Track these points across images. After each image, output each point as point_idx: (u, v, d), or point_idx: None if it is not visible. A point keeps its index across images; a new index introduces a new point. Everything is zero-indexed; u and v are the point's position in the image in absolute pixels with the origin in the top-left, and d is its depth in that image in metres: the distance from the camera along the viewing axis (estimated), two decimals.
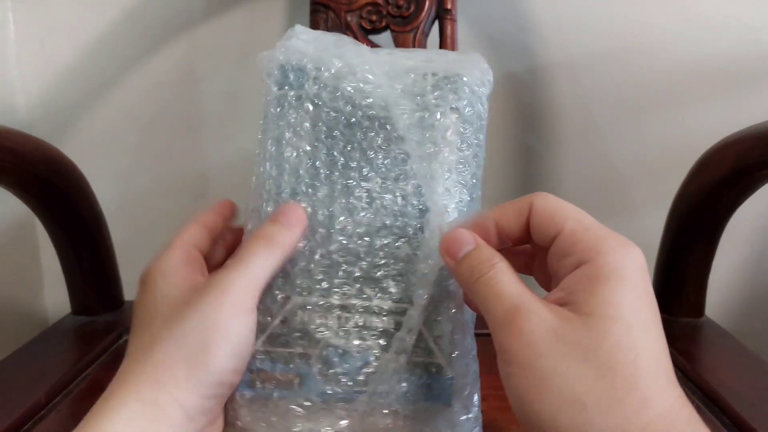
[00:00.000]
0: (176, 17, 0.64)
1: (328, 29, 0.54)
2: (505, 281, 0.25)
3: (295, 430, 0.29)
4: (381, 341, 0.29)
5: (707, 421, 0.38)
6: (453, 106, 0.32)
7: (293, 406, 0.29)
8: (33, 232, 0.69)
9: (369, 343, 0.29)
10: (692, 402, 0.40)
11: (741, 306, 0.68)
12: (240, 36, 0.65)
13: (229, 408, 0.29)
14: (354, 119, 0.31)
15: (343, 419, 0.29)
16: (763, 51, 0.60)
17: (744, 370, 0.45)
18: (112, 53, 0.65)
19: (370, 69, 0.32)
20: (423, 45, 0.53)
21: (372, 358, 0.29)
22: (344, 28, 0.54)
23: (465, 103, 0.32)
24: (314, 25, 0.54)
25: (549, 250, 0.26)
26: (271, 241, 0.29)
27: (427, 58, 0.34)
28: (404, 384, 0.29)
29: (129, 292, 0.58)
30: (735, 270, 0.67)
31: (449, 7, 0.53)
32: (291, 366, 0.29)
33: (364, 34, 0.54)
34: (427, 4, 0.53)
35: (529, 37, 0.62)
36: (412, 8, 0.53)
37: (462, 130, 0.32)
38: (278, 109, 0.32)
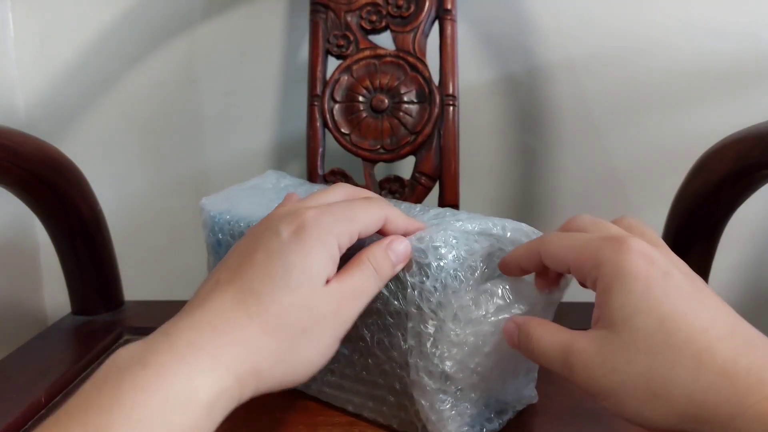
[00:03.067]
0: (176, 17, 0.64)
1: (327, 29, 0.54)
2: (546, 335, 0.28)
3: None
4: None
5: None
6: None
7: None
8: (33, 232, 0.69)
9: None
10: None
11: (741, 306, 0.68)
12: (240, 36, 0.65)
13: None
14: None
15: None
16: (763, 51, 0.60)
17: None
18: (111, 53, 0.65)
19: None
20: (423, 45, 0.53)
21: None
22: (344, 28, 0.54)
23: None
24: (314, 25, 0.54)
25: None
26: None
27: None
28: None
29: (129, 292, 0.58)
30: (735, 270, 0.67)
31: (449, 7, 0.53)
32: None
33: (364, 34, 0.54)
34: (427, 4, 0.53)
35: (529, 38, 0.62)
36: (412, 8, 0.53)
37: None
38: None
